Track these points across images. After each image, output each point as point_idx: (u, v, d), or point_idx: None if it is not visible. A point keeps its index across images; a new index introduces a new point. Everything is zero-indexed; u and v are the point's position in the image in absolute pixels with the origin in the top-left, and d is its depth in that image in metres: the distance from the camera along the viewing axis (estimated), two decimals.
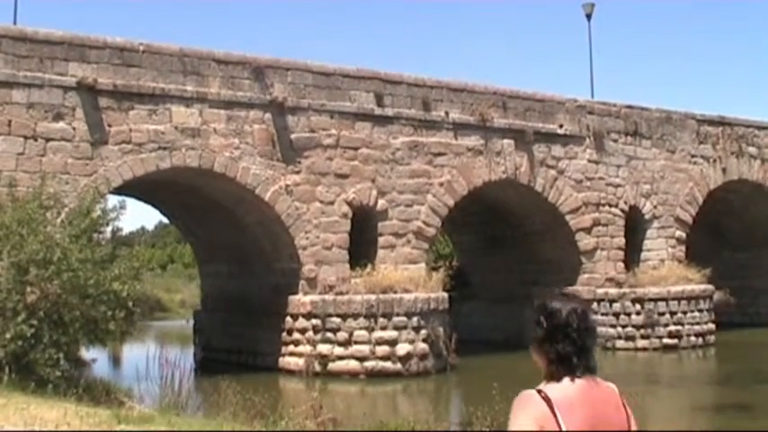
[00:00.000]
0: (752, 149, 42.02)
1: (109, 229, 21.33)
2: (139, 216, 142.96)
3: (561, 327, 4.30)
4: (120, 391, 19.82)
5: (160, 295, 62.97)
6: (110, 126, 25.94)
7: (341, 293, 28.84)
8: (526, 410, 4.15)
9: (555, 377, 4.25)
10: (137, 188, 29.19)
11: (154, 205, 36.61)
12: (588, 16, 39.92)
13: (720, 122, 41.13)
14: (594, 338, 4.36)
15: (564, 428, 4.08)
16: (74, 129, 25.41)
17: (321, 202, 29.47)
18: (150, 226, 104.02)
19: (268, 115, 28.63)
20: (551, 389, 4.20)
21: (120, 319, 19.12)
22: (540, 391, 4.19)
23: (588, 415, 4.17)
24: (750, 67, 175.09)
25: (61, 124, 25.22)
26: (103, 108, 25.87)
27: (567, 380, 4.24)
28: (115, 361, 31.95)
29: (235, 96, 28.06)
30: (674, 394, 24.61)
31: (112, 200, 23.49)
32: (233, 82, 28.21)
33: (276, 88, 28.82)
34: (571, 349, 4.26)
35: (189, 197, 31.53)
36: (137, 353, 28.14)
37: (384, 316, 27.90)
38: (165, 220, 64.26)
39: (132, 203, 41.19)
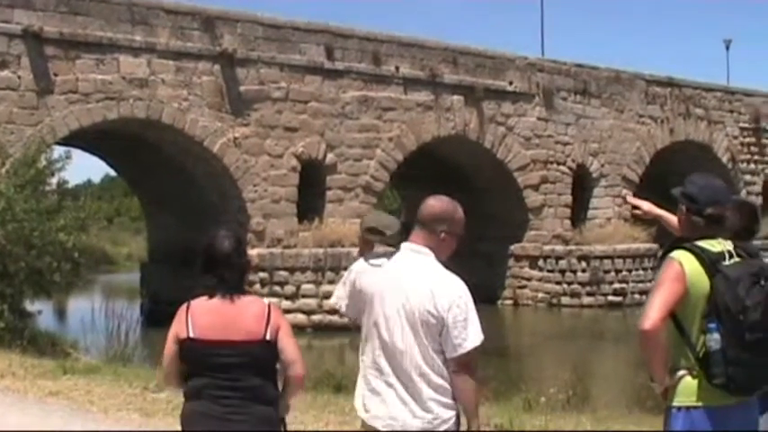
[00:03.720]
0: (699, 111, 42.38)
1: (54, 179, 21.12)
2: (86, 169, 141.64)
3: (212, 261, 5.03)
4: (65, 342, 19.74)
5: (107, 248, 62.45)
6: (56, 75, 25.61)
7: (289, 247, 28.83)
8: (174, 321, 5.00)
9: (204, 295, 5.00)
10: (84, 139, 28.90)
11: (101, 157, 36.32)
12: None
13: (669, 84, 41.42)
14: (241, 265, 5.08)
15: (192, 334, 4.87)
16: (19, 78, 25.05)
17: (270, 155, 29.35)
18: (97, 179, 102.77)
19: (217, 67, 28.40)
20: (197, 301, 4.99)
21: (65, 271, 18.98)
22: (189, 303, 5.00)
23: (218, 321, 4.88)
24: (699, 30, 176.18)
25: (6, 73, 24.86)
26: (50, 57, 25.52)
27: (210, 297, 4.98)
28: (61, 313, 31.69)
29: (184, 47, 27.79)
30: (618, 349, 24.92)
31: (58, 150, 23.25)
32: (182, 33, 27.92)
33: (226, 40, 28.57)
34: (215, 280, 4.99)
35: (136, 149, 31.25)
36: (83, 305, 27.92)
37: (332, 270, 27.89)
38: (112, 173, 63.72)
39: (79, 156, 40.77)
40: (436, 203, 5.03)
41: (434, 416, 4.78)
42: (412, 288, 4.82)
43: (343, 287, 5.18)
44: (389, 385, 4.84)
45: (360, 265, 5.12)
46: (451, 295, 4.80)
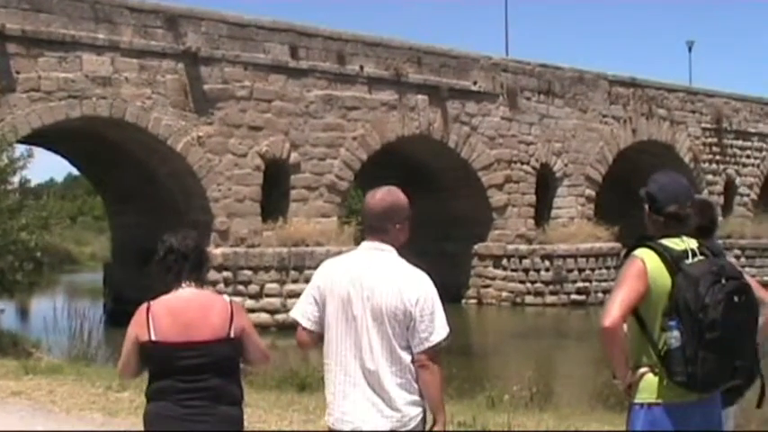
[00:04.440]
0: (661, 111, 42.70)
1: (16, 178, 21.00)
2: (49, 168, 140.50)
3: (169, 252, 5.02)
4: (27, 342, 19.61)
5: (70, 248, 62.07)
6: (18, 73, 25.41)
7: (252, 246, 28.77)
8: (132, 322, 4.94)
9: (165, 291, 4.98)
10: (46, 137, 28.69)
11: (64, 156, 36.09)
12: None
13: (632, 84, 41.69)
14: (199, 255, 5.11)
15: (153, 337, 4.83)
16: None
17: (234, 154, 29.27)
18: (60, 178, 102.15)
19: (181, 65, 28.28)
20: (157, 302, 4.92)
21: (28, 270, 18.87)
22: (149, 304, 4.93)
23: (180, 322, 4.84)
24: (661, 31, 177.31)
25: None
26: (11, 54, 25.30)
27: (175, 289, 4.97)
28: (23, 313, 31.47)
29: (148, 45, 27.65)
30: (581, 348, 25.06)
31: (20, 149, 23.08)
32: (146, 31, 27.78)
33: (190, 38, 28.46)
34: (174, 260, 4.99)
35: (100, 148, 31.09)
36: (45, 305, 27.75)
37: (296, 269, 27.87)
38: (75, 172, 63.26)
39: (42, 155, 40.52)
40: (380, 199, 5.02)
41: (403, 414, 4.80)
42: (378, 285, 4.83)
43: (305, 296, 5.10)
44: (357, 386, 4.83)
45: (324, 267, 5.10)
46: (418, 289, 4.83)
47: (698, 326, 4.58)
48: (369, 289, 4.84)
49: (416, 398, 4.83)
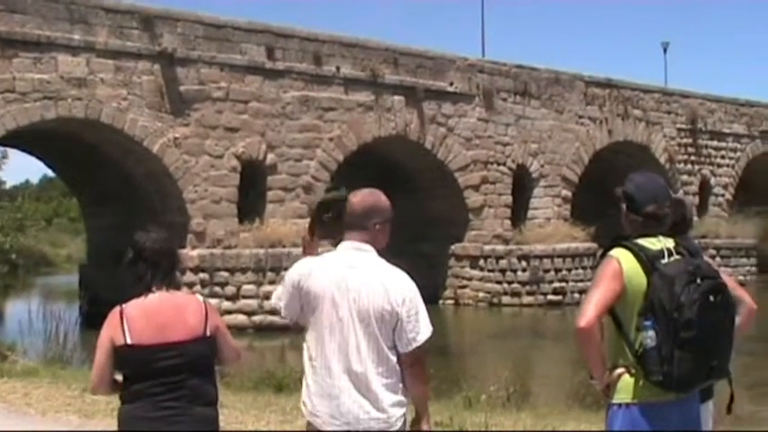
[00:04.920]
0: (637, 112, 42.89)
1: None
2: (24, 169, 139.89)
3: (139, 253, 4.97)
4: (2, 345, 19.45)
5: (45, 250, 61.78)
6: None
7: (229, 247, 28.70)
8: (105, 326, 4.89)
9: (137, 295, 4.86)
10: (21, 139, 28.57)
11: (39, 157, 35.91)
12: None
13: (607, 85, 41.85)
14: (170, 259, 5.05)
15: (129, 341, 4.78)
16: None
17: (210, 155, 29.21)
18: (35, 180, 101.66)
19: (157, 66, 28.19)
20: (131, 305, 4.85)
21: (2, 273, 18.80)
22: (121, 307, 4.87)
23: (154, 323, 4.80)
24: (637, 32, 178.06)
25: None
26: None
27: (144, 295, 4.89)
28: None
29: (123, 46, 27.55)
30: (558, 348, 25.13)
31: None
32: (121, 31, 27.67)
33: (166, 39, 28.37)
34: (145, 269, 4.93)
35: (75, 149, 30.96)
36: (21, 307, 27.64)
37: (272, 270, 27.78)
38: (51, 174, 62.97)
39: (17, 156, 40.35)
40: (361, 200, 5.06)
41: (389, 415, 4.83)
42: (363, 286, 4.85)
43: (283, 288, 5.12)
44: (342, 388, 4.83)
45: (304, 267, 5.07)
46: (403, 289, 4.87)
47: (673, 325, 4.59)
48: (355, 290, 4.85)
49: (401, 398, 4.87)
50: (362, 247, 5.00)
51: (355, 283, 4.86)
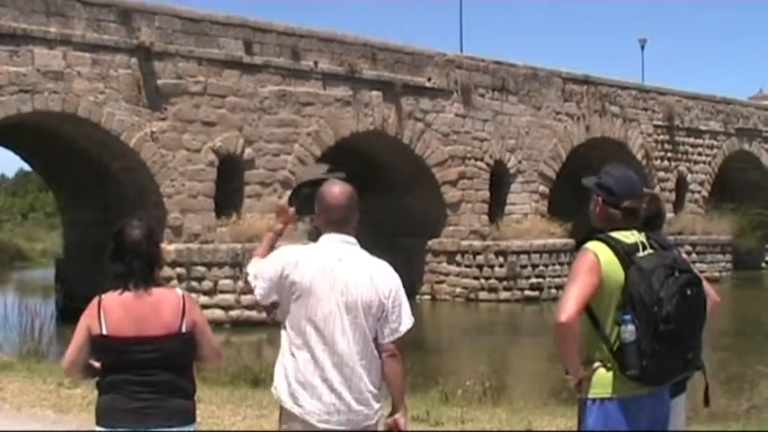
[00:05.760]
0: (614, 108, 43.02)
1: None
2: None
3: (121, 248, 4.90)
4: None
5: (21, 244, 61.42)
6: None
7: (206, 242, 28.65)
8: (84, 314, 4.89)
9: (117, 287, 4.88)
10: None
11: (15, 151, 35.71)
12: None
13: (585, 81, 41.96)
14: (152, 252, 4.96)
15: (105, 331, 4.78)
16: None
17: (187, 149, 29.12)
18: (11, 174, 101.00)
19: (134, 60, 28.08)
20: (109, 296, 4.85)
21: None
22: (100, 298, 4.86)
23: (132, 316, 4.78)
24: (614, 29, 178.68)
25: None
26: None
27: (122, 290, 4.85)
28: None
29: (100, 40, 27.41)
30: (534, 343, 25.22)
31: None
32: (99, 25, 27.54)
33: (143, 33, 28.25)
34: (123, 268, 4.87)
35: (52, 143, 30.80)
36: None
37: None
38: (27, 168, 62.59)
39: None
40: (341, 193, 5.11)
41: (370, 407, 4.91)
42: (351, 278, 4.92)
43: (263, 271, 5.11)
44: (325, 380, 4.87)
45: (290, 256, 5.05)
46: (389, 281, 5.01)
47: (653, 319, 4.60)
48: (343, 282, 4.91)
49: (379, 390, 4.96)
50: (349, 240, 5.07)
51: (343, 276, 4.92)
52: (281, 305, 5.05)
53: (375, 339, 4.95)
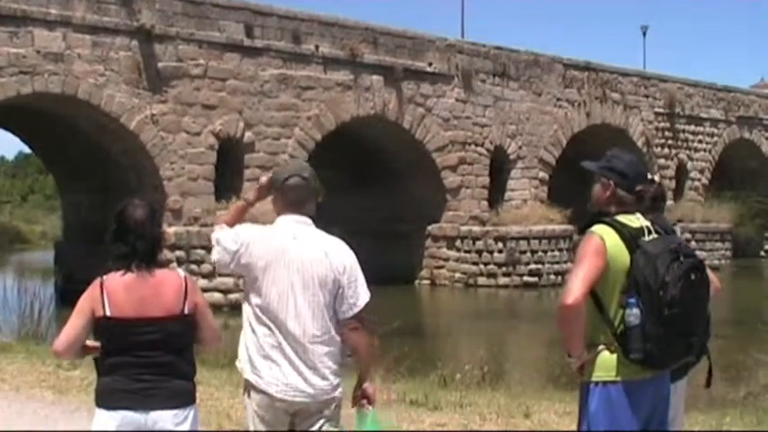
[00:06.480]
0: (615, 95, 43.01)
1: None
2: None
3: (124, 229, 4.87)
4: None
5: (20, 227, 61.51)
6: None
7: (206, 225, 28.60)
8: (86, 296, 4.82)
9: (119, 268, 4.83)
10: None
11: (14, 133, 35.68)
12: None
13: (586, 68, 41.94)
14: (154, 233, 4.94)
15: (108, 313, 4.73)
16: None
17: (187, 132, 29.10)
18: (10, 156, 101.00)
19: (135, 43, 28.03)
20: (111, 277, 4.80)
21: None
22: (102, 279, 4.80)
23: (134, 297, 4.75)
24: (616, 16, 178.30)
25: None
26: None
27: (124, 271, 4.81)
28: None
29: (101, 21, 27.36)
30: (533, 329, 25.26)
31: None
32: (99, 6, 27.46)
33: (144, 15, 28.19)
34: (126, 249, 4.84)
35: (51, 125, 30.76)
36: None
37: None
38: (27, 150, 62.55)
39: None
40: (299, 174, 5.32)
41: (328, 382, 5.06)
42: (306, 256, 5.08)
43: (230, 242, 5.27)
44: (284, 354, 5.03)
45: (245, 236, 5.25)
46: (343, 258, 5.15)
47: (657, 303, 4.62)
48: (298, 260, 5.07)
49: (337, 366, 5.13)
50: (305, 220, 5.24)
51: (298, 253, 5.08)
52: (244, 281, 5.25)
53: (335, 317, 5.09)
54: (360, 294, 5.13)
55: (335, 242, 5.22)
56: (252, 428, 5.21)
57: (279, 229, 5.23)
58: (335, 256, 5.11)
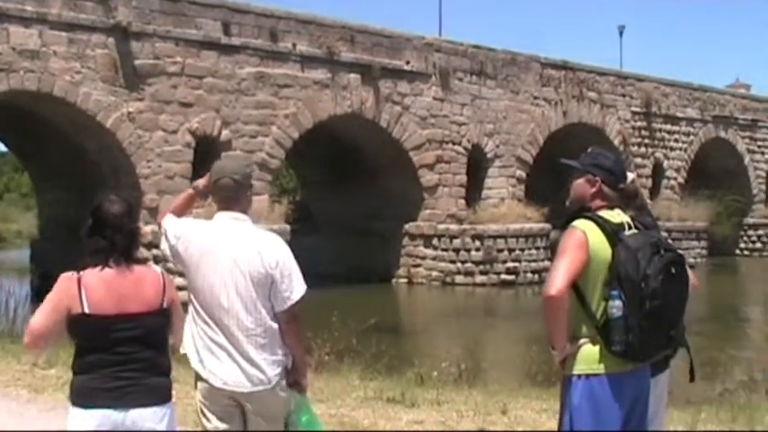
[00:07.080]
0: (592, 94, 43.16)
1: None
2: None
3: (101, 223, 4.83)
4: None
5: None
6: None
7: None
8: (59, 291, 4.74)
9: (96, 264, 4.80)
10: None
11: None
12: None
13: (563, 67, 42.06)
14: (131, 228, 4.92)
15: (86, 310, 4.67)
16: None
17: (164, 130, 29.01)
18: None
19: (111, 40, 27.92)
20: (88, 273, 4.75)
21: None
22: (79, 275, 4.73)
23: (114, 294, 4.71)
24: (593, 15, 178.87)
25: None
26: None
27: (102, 267, 4.77)
28: None
29: (77, 19, 27.23)
30: (510, 327, 25.29)
31: None
32: (75, 4, 27.33)
33: (120, 12, 28.08)
34: (104, 243, 4.81)
35: (27, 123, 30.59)
36: None
37: None
38: (2, 148, 62.15)
39: None
40: (233, 171, 5.42)
41: (266, 374, 5.16)
42: (240, 252, 5.18)
43: (171, 235, 5.45)
44: (222, 346, 5.16)
45: (179, 230, 5.42)
46: (276, 253, 5.21)
47: (639, 295, 4.68)
48: (232, 256, 5.15)
49: (278, 357, 5.21)
50: (239, 216, 5.33)
51: (230, 249, 5.19)
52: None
53: (272, 310, 5.18)
54: (294, 288, 5.20)
55: (269, 237, 5.32)
56: (200, 418, 5.34)
57: (214, 226, 5.35)
58: (268, 251, 5.18)
